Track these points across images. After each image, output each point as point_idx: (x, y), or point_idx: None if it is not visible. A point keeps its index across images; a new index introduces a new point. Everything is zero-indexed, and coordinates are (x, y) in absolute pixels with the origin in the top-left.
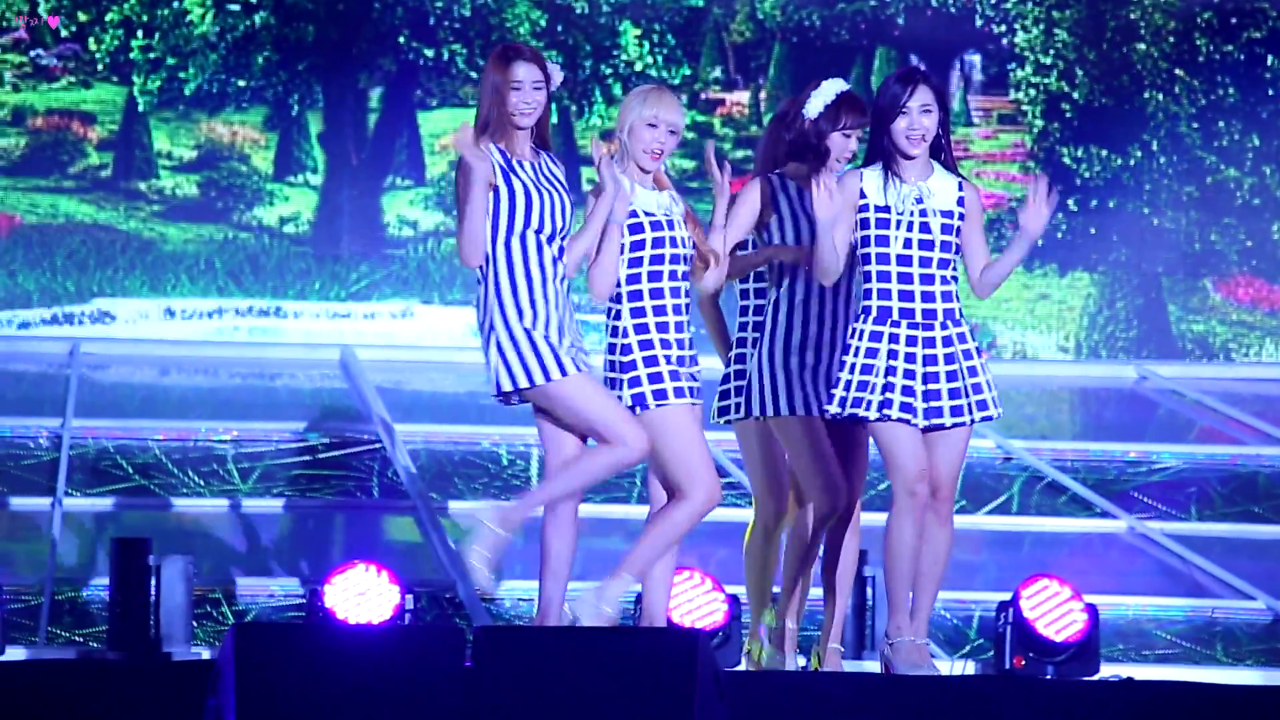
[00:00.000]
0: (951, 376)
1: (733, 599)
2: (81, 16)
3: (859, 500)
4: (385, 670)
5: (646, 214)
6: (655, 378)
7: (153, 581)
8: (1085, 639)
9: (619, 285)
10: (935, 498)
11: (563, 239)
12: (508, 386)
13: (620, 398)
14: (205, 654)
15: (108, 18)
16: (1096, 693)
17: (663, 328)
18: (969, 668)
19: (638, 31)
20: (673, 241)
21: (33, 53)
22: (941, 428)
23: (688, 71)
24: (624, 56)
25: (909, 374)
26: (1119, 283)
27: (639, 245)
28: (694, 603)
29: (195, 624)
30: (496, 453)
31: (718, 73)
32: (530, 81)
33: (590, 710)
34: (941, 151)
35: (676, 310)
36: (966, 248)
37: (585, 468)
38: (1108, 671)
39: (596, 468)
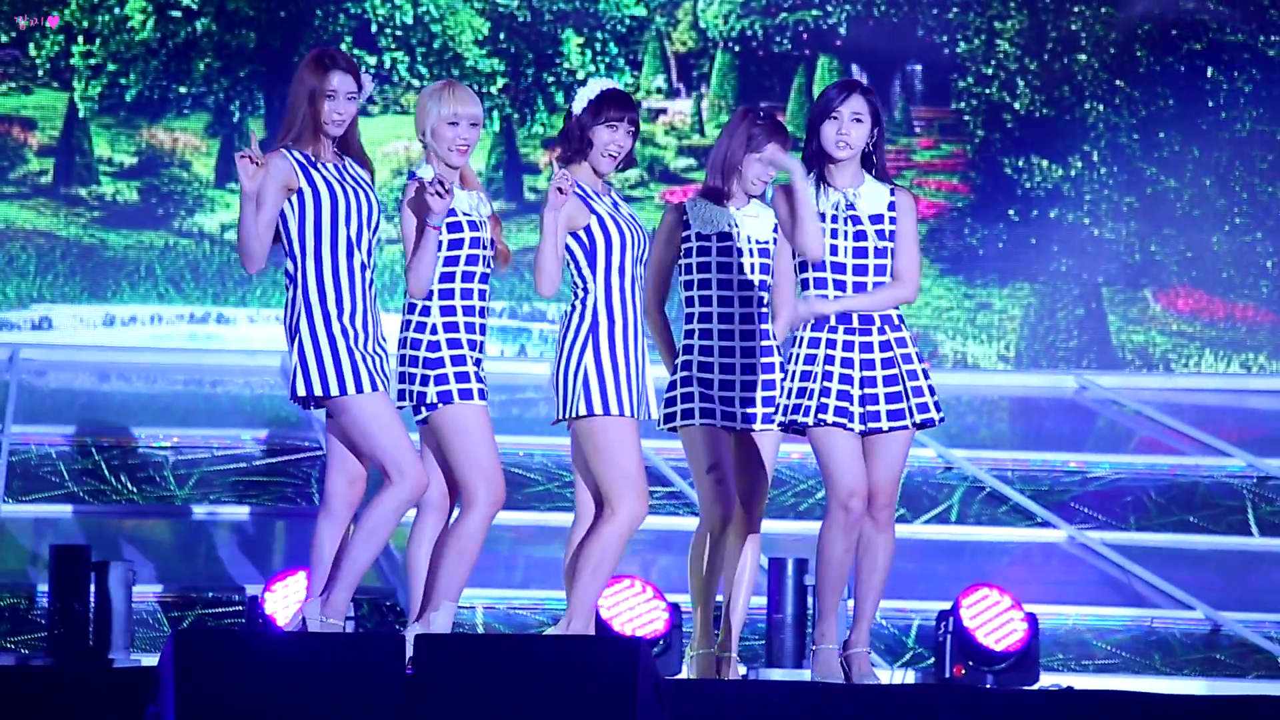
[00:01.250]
0: (890, 381)
1: (673, 607)
2: (21, 22)
3: (756, 510)
4: (326, 677)
5: (464, 214)
6: (461, 376)
7: (91, 589)
8: (1025, 648)
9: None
10: (874, 504)
11: (371, 240)
12: (302, 392)
13: (422, 394)
14: (145, 661)
15: (48, 24)
16: (1037, 702)
17: (470, 328)
18: (909, 676)
19: (580, 40)
20: (481, 243)
21: None
22: (879, 432)
23: (630, 80)
24: (567, 65)
25: (845, 379)
26: (1059, 293)
27: (457, 244)
28: (635, 611)
29: (134, 631)
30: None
31: (660, 81)
32: (345, 92)
33: (533, 716)
34: (873, 165)
35: (482, 313)
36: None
37: (378, 524)
38: (1048, 681)
39: (388, 519)
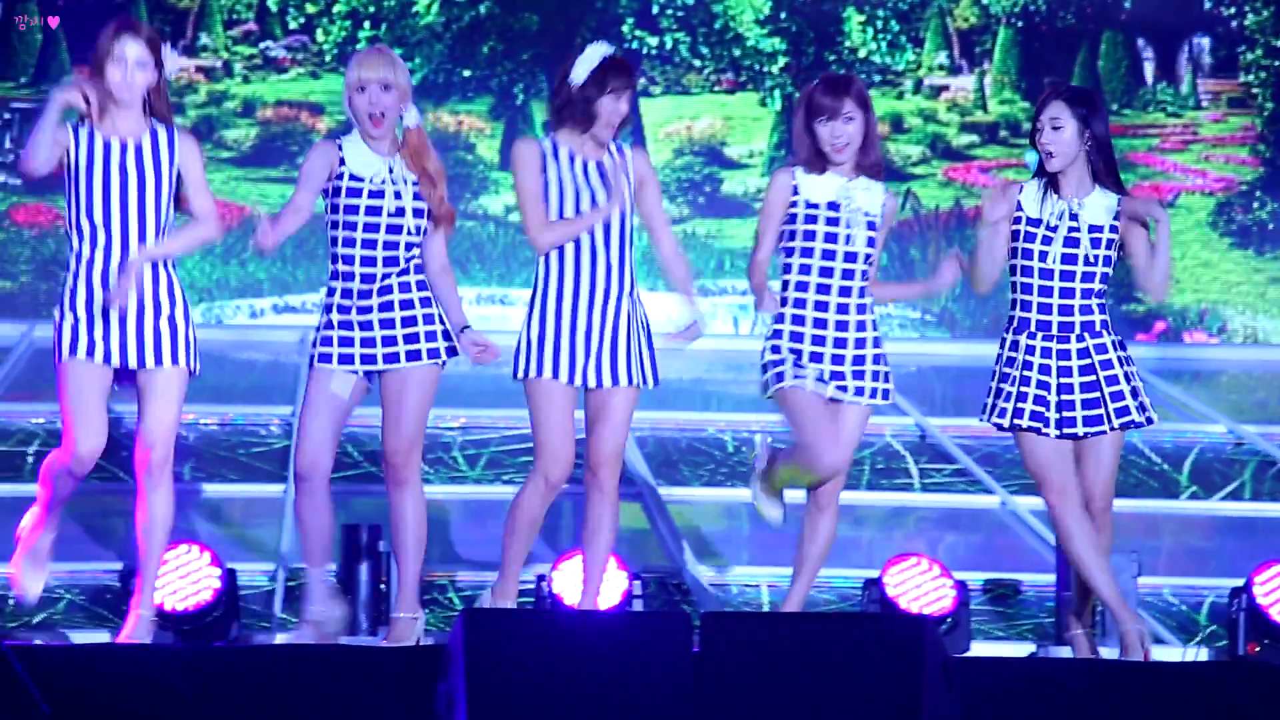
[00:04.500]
0: (1088, 388)
1: (960, 585)
2: (309, 8)
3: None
4: (613, 656)
5: (353, 177)
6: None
7: (382, 567)
8: None
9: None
10: (1090, 507)
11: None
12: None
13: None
14: (436, 640)
15: (335, 9)
16: None
17: (346, 294)
18: (1201, 654)
19: (861, 18)
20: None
21: (262, 44)
22: (1076, 438)
23: (911, 57)
24: (848, 43)
25: (1042, 385)
26: None
27: (353, 210)
28: (922, 589)
29: (427, 610)
30: (722, 439)
31: (942, 59)
32: (134, 60)
33: (818, 696)
34: (1096, 171)
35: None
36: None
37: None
38: None
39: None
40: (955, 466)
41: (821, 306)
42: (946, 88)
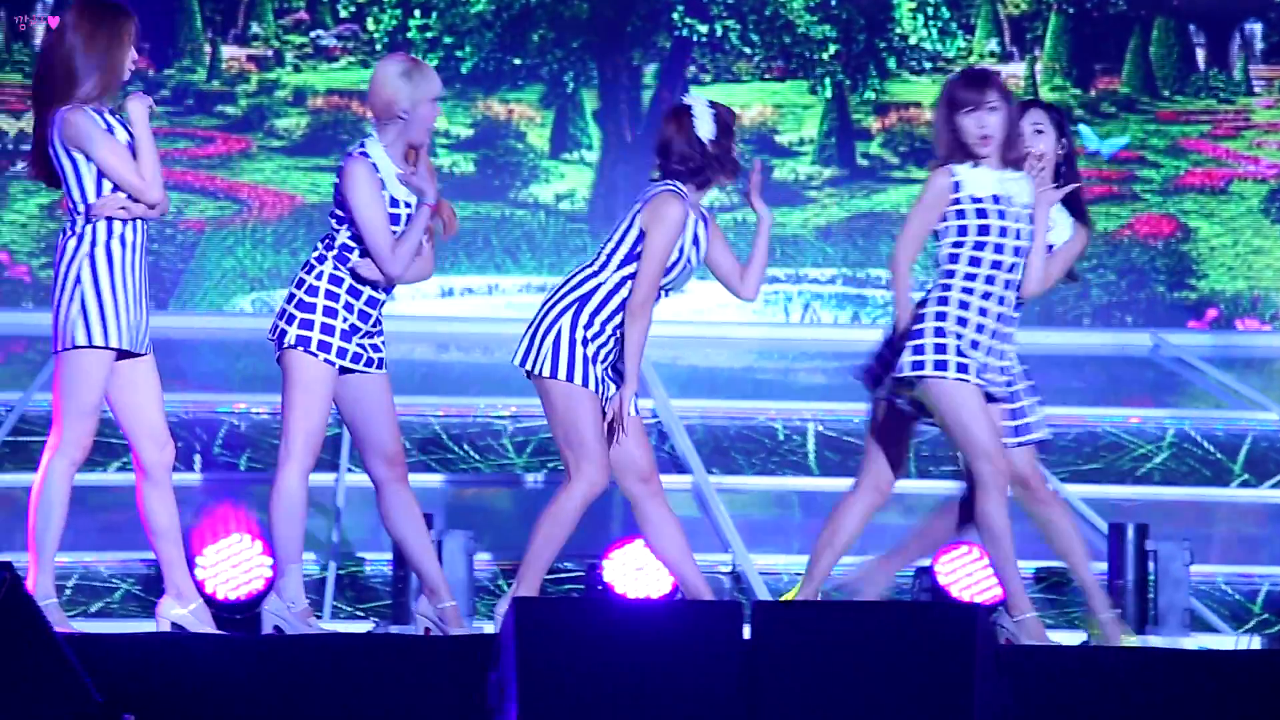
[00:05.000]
0: None
1: None
2: None
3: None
4: (664, 644)
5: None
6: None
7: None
8: None
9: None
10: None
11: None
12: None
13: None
14: (486, 628)
15: None
16: None
17: (372, 302)
18: (1254, 642)
19: (912, 5)
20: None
21: (313, 33)
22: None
23: (962, 44)
24: (899, 30)
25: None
26: None
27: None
28: (973, 577)
29: (476, 598)
30: (773, 427)
31: (993, 45)
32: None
33: (869, 685)
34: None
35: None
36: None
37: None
38: None
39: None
40: None
41: (988, 297)
42: (997, 74)
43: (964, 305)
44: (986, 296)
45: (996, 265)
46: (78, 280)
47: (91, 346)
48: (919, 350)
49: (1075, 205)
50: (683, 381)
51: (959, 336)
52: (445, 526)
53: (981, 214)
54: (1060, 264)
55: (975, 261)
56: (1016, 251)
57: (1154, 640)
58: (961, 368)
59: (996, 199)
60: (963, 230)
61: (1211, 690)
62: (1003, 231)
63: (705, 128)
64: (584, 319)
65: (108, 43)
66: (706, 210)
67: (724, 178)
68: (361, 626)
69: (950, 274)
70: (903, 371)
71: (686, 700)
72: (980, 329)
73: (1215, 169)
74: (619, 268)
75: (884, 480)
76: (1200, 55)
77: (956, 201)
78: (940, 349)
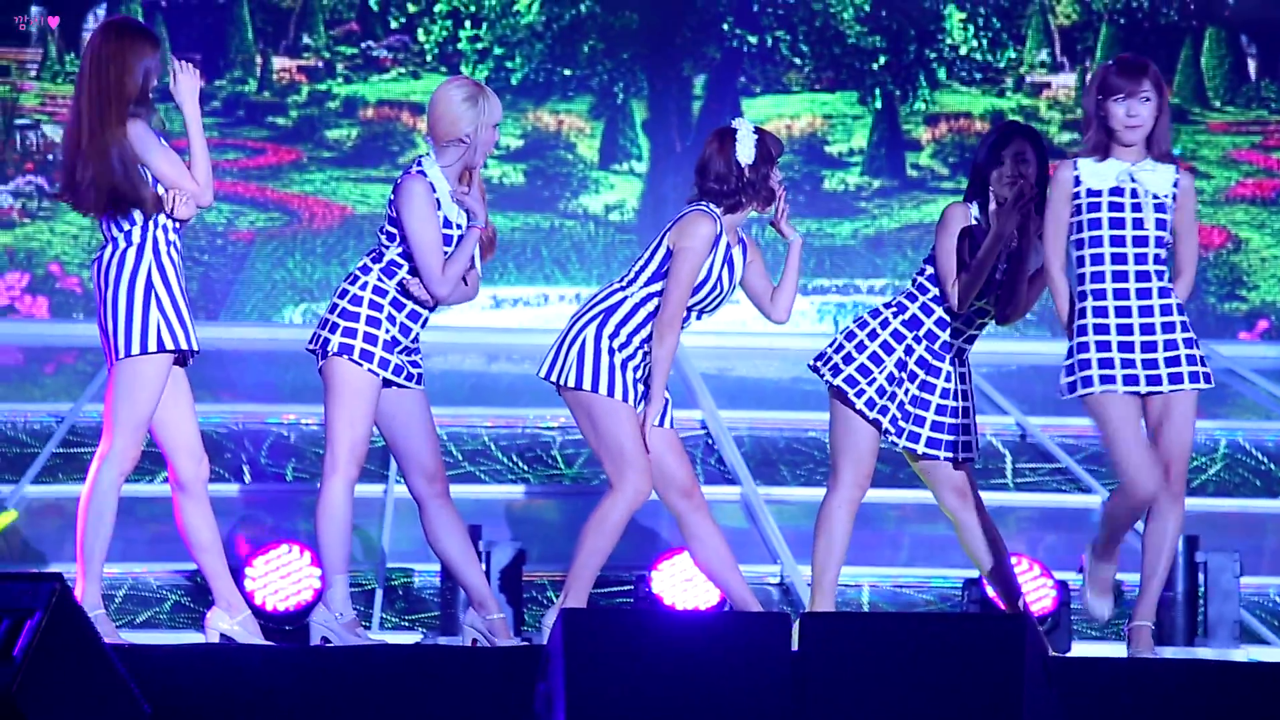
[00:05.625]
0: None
1: (1061, 584)
2: (411, 8)
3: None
4: (712, 656)
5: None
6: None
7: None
8: None
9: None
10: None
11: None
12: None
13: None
14: (536, 639)
15: (436, 9)
16: None
17: (414, 316)
18: None
19: (962, 15)
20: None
21: (364, 44)
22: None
23: (1013, 54)
24: (949, 40)
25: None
26: None
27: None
28: (1023, 588)
29: (524, 610)
30: (821, 440)
31: (1044, 55)
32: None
33: (918, 695)
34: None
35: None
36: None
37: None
38: None
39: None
40: (1055, 465)
41: (1121, 295)
42: (1048, 85)
43: (1099, 313)
44: (1121, 295)
45: (1119, 259)
46: (149, 286)
47: (163, 350)
48: (1069, 371)
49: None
50: (731, 393)
51: (1100, 346)
52: (494, 538)
53: (1093, 208)
54: (1038, 289)
55: (1097, 259)
56: (1138, 242)
57: (1203, 652)
58: (1106, 379)
59: (1116, 190)
60: (1078, 228)
61: (1260, 702)
62: (1116, 223)
63: (745, 153)
64: (609, 329)
65: (121, 64)
66: (745, 234)
67: (757, 205)
68: (410, 638)
69: (1080, 278)
70: (1063, 394)
71: (734, 712)
72: (1124, 329)
73: (1266, 180)
74: (647, 284)
75: (861, 476)
76: (1252, 65)
77: (1075, 196)
78: (1084, 365)
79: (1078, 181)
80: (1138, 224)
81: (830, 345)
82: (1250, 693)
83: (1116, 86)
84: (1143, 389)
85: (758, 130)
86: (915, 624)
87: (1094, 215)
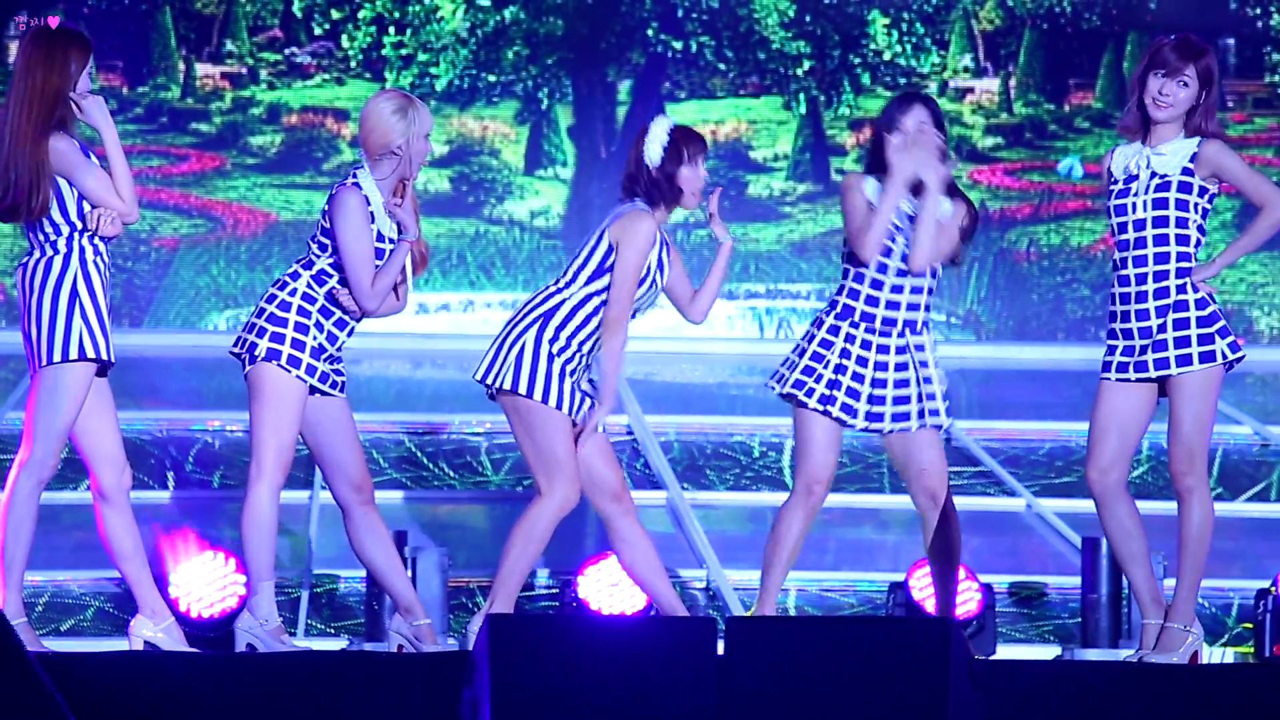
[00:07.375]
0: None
1: (986, 588)
2: (335, 14)
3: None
4: (638, 660)
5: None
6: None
7: (408, 573)
8: None
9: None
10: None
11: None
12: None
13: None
14: (459, 645)
15: (360, 15)
16: None
17: (325, 313)
18: (1228, 655)
19: (886, 21)
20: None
21: (287, 50)
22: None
23: (936, 60)
24: (873, 45)
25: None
26: None
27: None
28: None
29: (450, 615)
30: (748, 444)
31: (967, 60)
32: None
33: (843, 699)
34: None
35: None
36: None
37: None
38: None
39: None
40: (979, 469)
41: (1125, 281)
42: (971, 90)
43: (1123, 299)
44: (1125, 282)
45: (1124, 245)
46: (73, 295)
47: (85, 359)
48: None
49: (951, 185)
50: (657, 397)
51: (1125, 334)
52: (419, 544)
53: (1108, 194)
54: (949, 238)
55: (1121, 245)
56: (1138, 225)
57: (1127, 653)
58: (1107, 368)
59: (1133, 176)
60: (1108, 212)
61: (1186, 704)
62: (1119, 210)
63: (653, 151)
64: (549, 333)
65: (46, 72)
66: (666, 234)
67: (665, 204)
68: (335, 644)
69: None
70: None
71: (661, 716)
72: (1142, 315)
73: None
74: (586, 283)
75: (816, 483)
76: None
77: (1112, 182)
78: (1109, 351)
79: (1110, 173)
80: (1134, 208)
81: (780, 363)
82: (1174, 693)
83: (1162, 61)
84: (1132, 376)
85: (677, 129)
86: (841, 627)
87: (1110, 203)
